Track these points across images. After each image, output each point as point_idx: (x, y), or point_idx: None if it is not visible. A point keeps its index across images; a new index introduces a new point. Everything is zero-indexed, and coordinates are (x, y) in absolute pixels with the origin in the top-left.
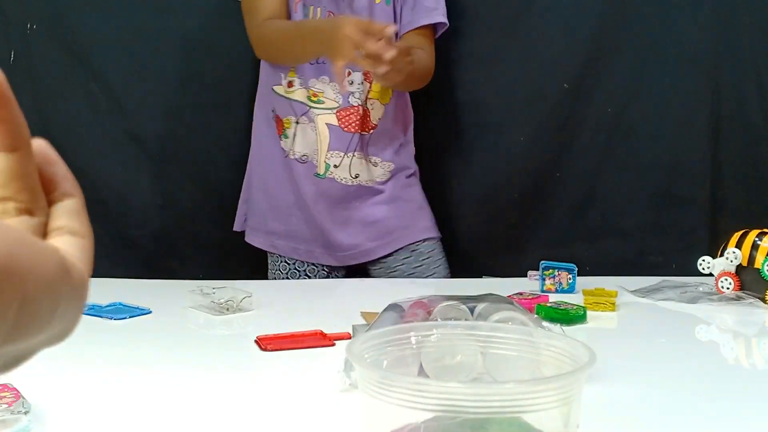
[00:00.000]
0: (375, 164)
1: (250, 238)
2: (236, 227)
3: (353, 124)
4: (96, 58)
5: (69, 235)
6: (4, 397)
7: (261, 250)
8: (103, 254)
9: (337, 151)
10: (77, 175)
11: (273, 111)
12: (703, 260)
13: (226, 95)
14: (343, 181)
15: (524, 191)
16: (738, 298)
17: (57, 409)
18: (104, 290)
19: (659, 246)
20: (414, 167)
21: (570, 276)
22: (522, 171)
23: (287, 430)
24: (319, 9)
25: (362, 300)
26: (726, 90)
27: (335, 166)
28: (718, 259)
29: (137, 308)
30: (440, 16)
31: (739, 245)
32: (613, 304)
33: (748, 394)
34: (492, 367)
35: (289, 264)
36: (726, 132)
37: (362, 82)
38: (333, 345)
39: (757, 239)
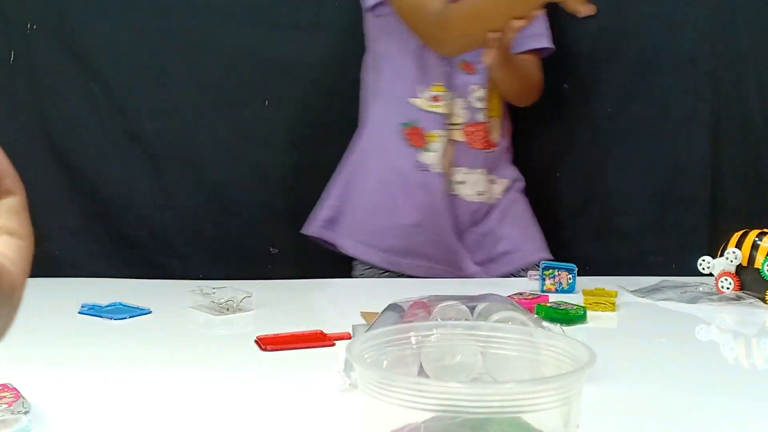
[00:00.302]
0: (493, 182)
1: (365, 254)
2: (311, 231)
3: (480, 141)
4: (96, 58)
5: (6, 236)
6: (4, 397)
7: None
8: (103, 254)
9: (463, 168)
10: (77, 175)
11: (406, 124)
12: (703, 260)
13: (226, 95)
14: (467, 198)
15: (524, 191)
16: (738, 298)
17: (57, 409)
18: (104, 290)
19: (659, 246)
20: (521, 177)
21: (570, 276)
22: (522, 171)
23: (287, 430)
24: None
25: (362, 300)
26: (726, 90)
27: (461, 183)
28: (718, 259)
29: (137, 308)
30: (546, 41)
31: (739, 245)
32: (613, 304)
33: (748, 394)
34: (492, 367)
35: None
36: (726, 132)
37: (483, 99)
38: (333, 345)
39: (757, 239)
